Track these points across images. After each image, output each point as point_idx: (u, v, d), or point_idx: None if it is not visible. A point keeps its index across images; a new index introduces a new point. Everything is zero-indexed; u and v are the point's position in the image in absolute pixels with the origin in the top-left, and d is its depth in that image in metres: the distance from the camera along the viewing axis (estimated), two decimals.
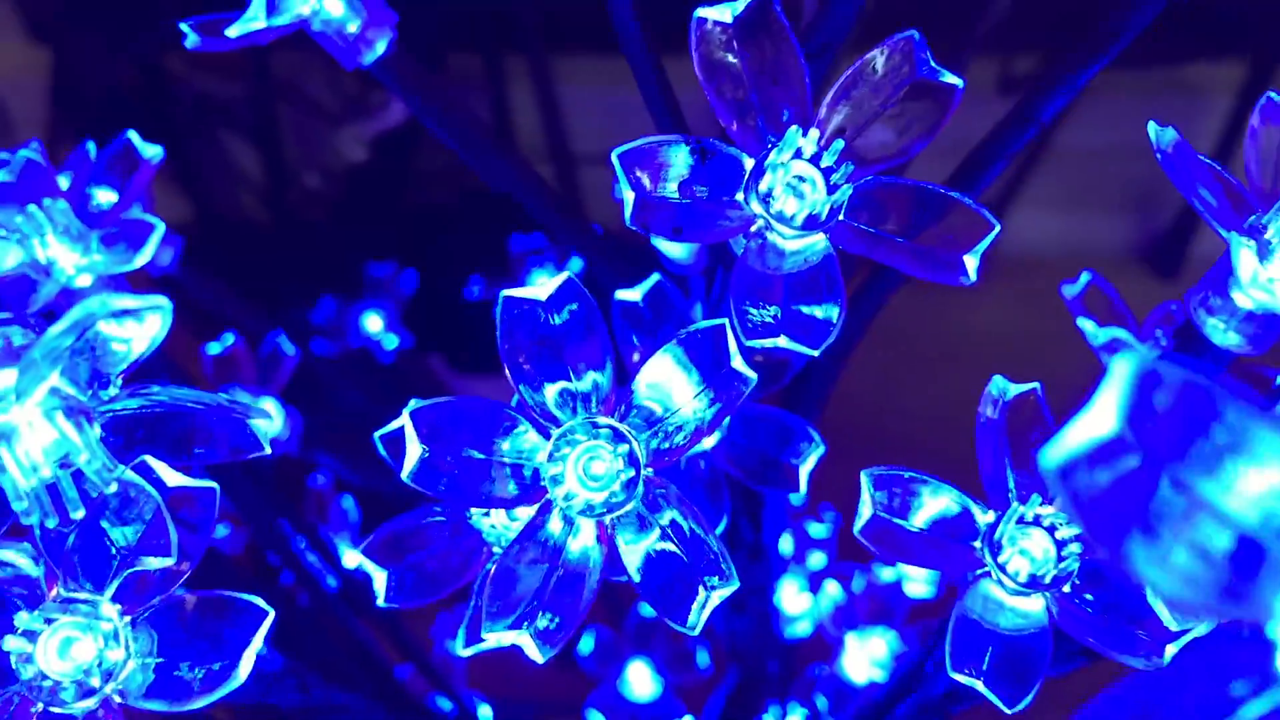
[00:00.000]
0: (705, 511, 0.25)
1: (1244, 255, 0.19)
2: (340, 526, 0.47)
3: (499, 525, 0.22)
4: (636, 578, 0.20)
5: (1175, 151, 0.20)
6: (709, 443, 0.26)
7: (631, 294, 0.26)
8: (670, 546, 0.20)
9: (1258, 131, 0.21)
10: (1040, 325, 0.49)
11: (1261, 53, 0.76)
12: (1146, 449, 0.10)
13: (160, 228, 0.25)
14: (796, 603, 0.49)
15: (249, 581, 0.36)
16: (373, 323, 0.56)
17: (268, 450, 0.18)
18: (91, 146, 0.31)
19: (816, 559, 0.50)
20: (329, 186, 0.83)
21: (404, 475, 0.18)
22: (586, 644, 0.50)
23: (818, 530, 0.51)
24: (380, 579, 0.22)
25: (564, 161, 0.66)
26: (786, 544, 0.50)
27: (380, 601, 0.22)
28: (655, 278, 0.26)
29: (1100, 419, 0.10)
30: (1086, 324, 0.28)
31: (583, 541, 0.19)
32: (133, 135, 0.28)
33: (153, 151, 0.28)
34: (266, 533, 0.38)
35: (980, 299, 0.81)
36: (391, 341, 0.56)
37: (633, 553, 0.20)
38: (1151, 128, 0.21)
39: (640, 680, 0.50)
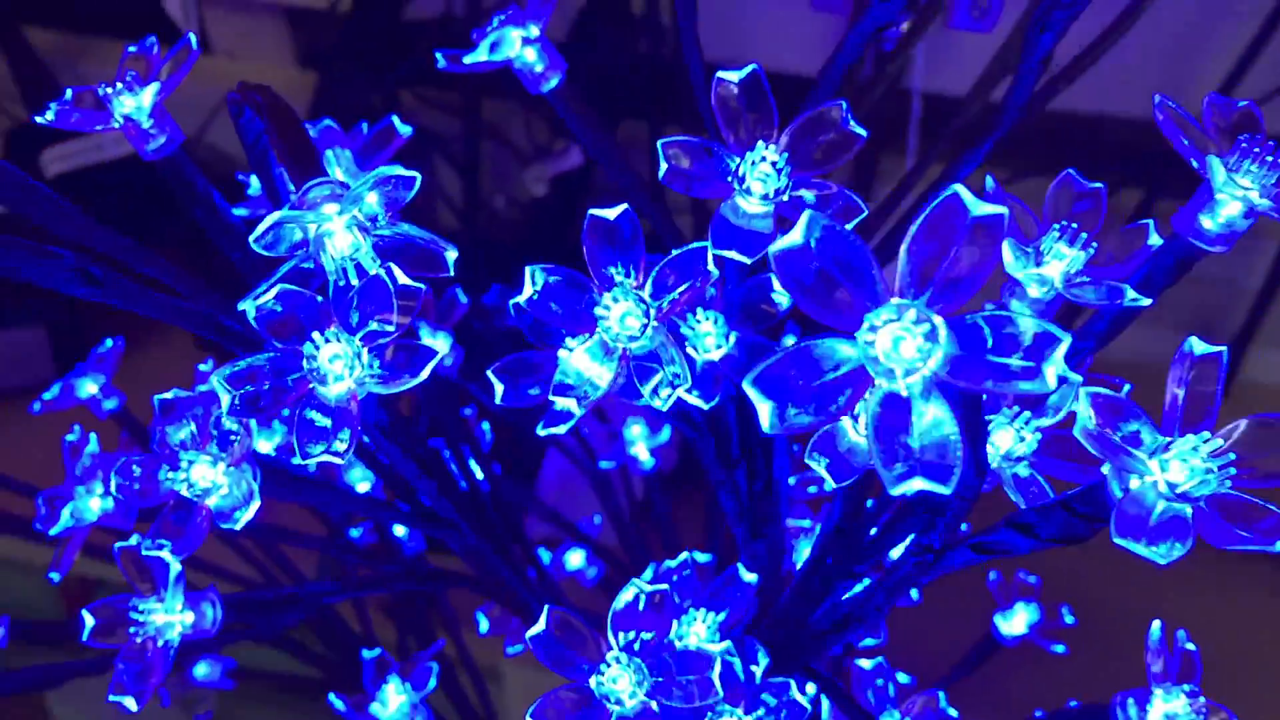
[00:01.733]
0: (705, 390, 0.39)
1: (1006, 251, 0.33)
2: (480, 444, 0.63)
3: (564, 366, 0.37)
4: (646, 393, 0.34)
5: (993, 194, 0.34)
6: (717, 355, 0.40)
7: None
8: (673, 384, 0.34)
9: (1055, 191, 0.35)
10: None
11: None
12: (817, 252, 0.24)
13: (418, 178, 0.41)
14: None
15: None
16: None
17: (450, 272, 0.33)
18: (365, 125, 0.48)
19: None
20: (513, 212, 1.01)
21: (521, 300, 0.33)
22: (647, 574, 0.64)
23: None
24: (500, 387, 0.37)
25: (700, 215, 0.82)
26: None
27: (497, 400, 0.37)
28: (700, 244, 0.40)
29: (794, 235, 0.24)
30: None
31: (609, 357, 0.34)
32: (395, 119, 0.45)
33: (406, 129, 0.44)
34: (440, 423, 0.53)
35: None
36: None
37: (648, 382, 0.34)
38: (988, 179, 0.34)
39: None
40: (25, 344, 0.98)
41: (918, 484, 0.23)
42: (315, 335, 0.33)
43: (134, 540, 0.43)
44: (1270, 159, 0.30)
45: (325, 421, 0.32)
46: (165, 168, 0.41)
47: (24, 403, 1.03)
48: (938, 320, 0.24)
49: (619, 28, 0.93)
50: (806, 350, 0.24)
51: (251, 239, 0.31)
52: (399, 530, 0.65)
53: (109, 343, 0.62)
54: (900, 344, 0.24)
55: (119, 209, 0.93)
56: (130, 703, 0.39)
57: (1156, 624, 0.41)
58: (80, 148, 0.90)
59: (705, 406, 0.38)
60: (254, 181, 0.45)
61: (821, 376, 0.24)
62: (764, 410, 0.24)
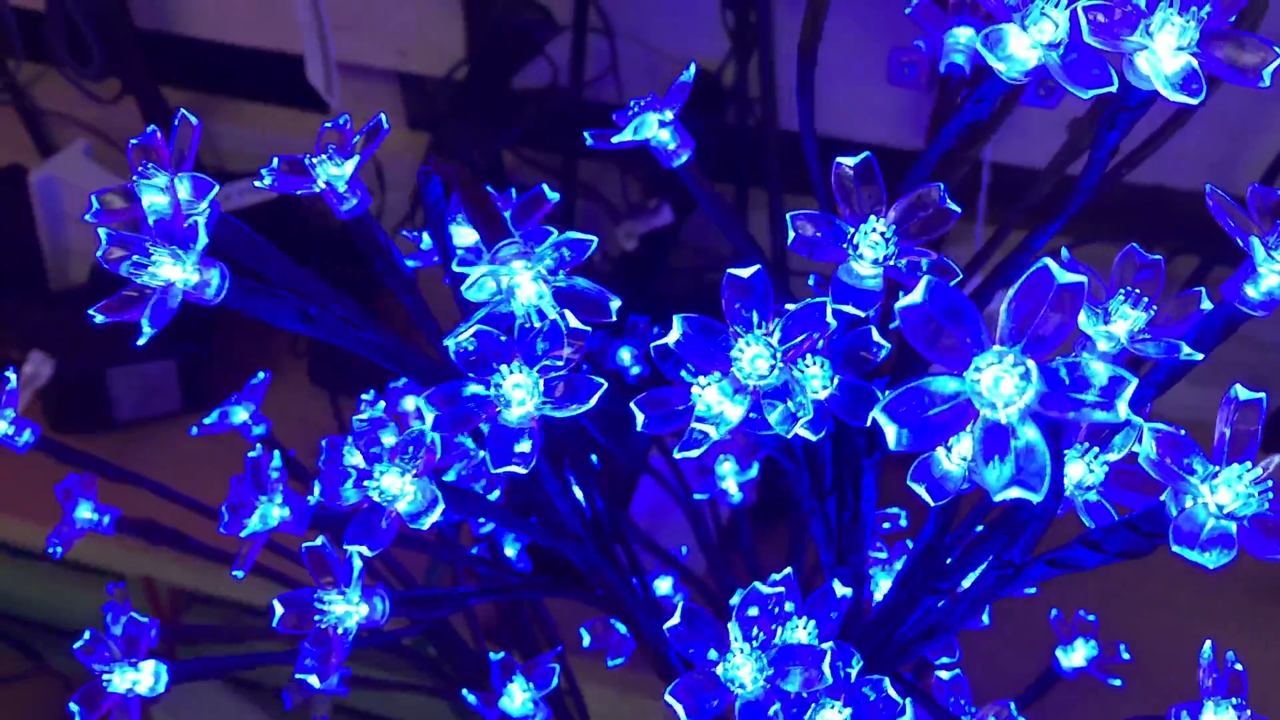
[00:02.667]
0: (814, 421, 0.45)
1: (1082, 318, 0.39)
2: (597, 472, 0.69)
3: (703, 399, 0.44)
4: (774, 422, 0.40)
5: (1069, 263, 0.40)
6: (823, 395, 0.47)
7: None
8: (796, 416, 0.41)
9: (1121, 261, 0.41)
10: None
11: None
12: (933, 308, 0.31)
13: (594, 241, 0.48)
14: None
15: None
16: (625, 355, 0.79)
17: (614, 319, 0.40)
18: (514, 191, 0.55)
19: None
20: (605, 265, 1.08)
21: (668, 341, 0.40)
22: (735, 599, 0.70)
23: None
24: (640, 417, 0.44)
25: (780, 273, 0.89)
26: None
27: (639, 427, 0.44)
28: (820, 299, 0.47)
29: (915, 294, 0.31)
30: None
31: (740, 394, 0.40)
32: (544, 187, 0.52)
33: (554, 195, 0.51)
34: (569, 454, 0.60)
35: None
36: (635, 369, 0.79)
37: (773, 413, 0.40)
38: (1063, 250, 0.41)
39: None
40: (156, 376, 1.07)
41: (1015, 492, 0.30)
42: (501, 367, 0.39)
43: (319, 540, 0.50)
44: None
45: (514, 442, 0.39)
46: (354, 226, 0.48)
47: (155, 430, 1.12)
48: (1030, 364, 0.30)
49: (710, 99, 1.01)
50: (923, 386, 0.31)
51: (463, 288, 0.38)
52: (509, 550, 0.72)
53: (261, 375, 0.69)
54: (1000, 382, 0.30)
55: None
56: (314, 680, 0.45)
57: (1208, 644, 0.47)
58: (234, 190, 0.99)
59: (814, 438, 0.44)
60: (425, 238, 0.52)
61: (935, 407, 0.31)
62: (890, 431, 0.31)
